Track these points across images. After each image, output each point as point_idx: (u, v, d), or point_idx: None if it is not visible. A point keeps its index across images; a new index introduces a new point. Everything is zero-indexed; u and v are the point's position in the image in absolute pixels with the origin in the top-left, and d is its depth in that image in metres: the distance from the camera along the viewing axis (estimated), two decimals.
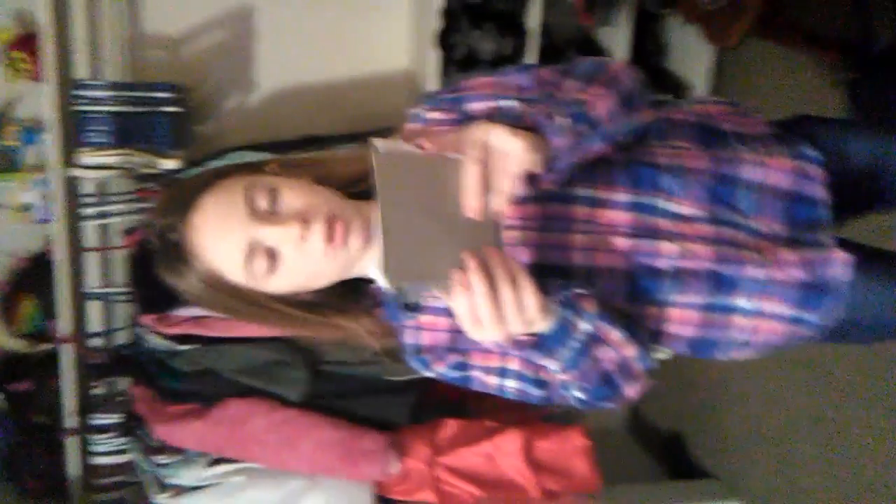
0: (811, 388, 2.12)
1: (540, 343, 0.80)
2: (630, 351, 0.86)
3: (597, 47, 2.27)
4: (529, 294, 0.73)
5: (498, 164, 0.75)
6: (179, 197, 0.91)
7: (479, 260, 0.73)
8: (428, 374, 0.95)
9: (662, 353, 2.28)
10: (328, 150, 1.08)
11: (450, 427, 1.97)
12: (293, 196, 0.86)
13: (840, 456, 2.03)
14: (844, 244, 0.96)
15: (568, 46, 2.23)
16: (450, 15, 2.03)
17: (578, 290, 0.82)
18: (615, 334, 0.84)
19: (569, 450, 2.01)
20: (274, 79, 2.26)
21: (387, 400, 1.91)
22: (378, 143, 0.74)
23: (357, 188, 0.92)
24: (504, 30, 2.05)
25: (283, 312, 0.91)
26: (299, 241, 0.84)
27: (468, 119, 0.91)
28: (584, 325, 0.81)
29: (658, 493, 2.16)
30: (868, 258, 0.99)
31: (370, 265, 0.91)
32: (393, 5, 2.25)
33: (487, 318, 0.73)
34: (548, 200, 0.89)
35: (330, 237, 0.85)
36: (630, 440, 2.79)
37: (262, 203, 0.86)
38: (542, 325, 0.78)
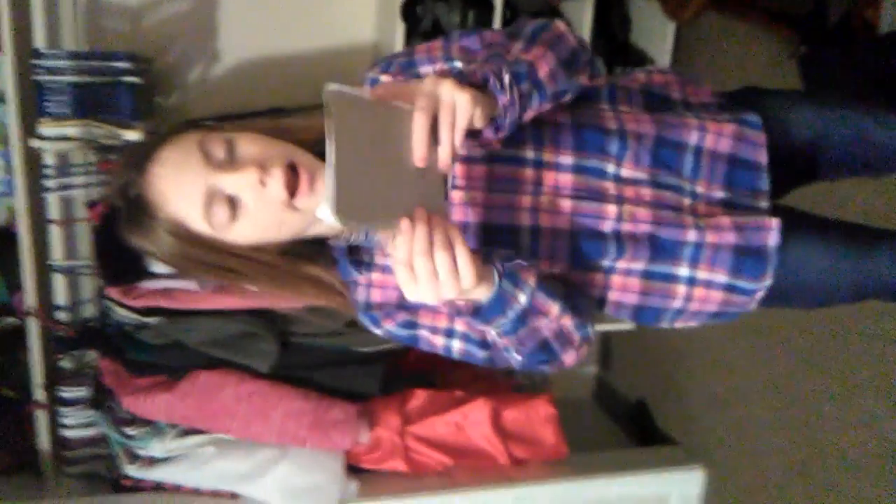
0: (767, 355, 2.19)
1: (478, 310, 0.81)
2: (567, 321, 0.88)
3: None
4: (465, 262, 0.74)
5: (446, 116, 0.76)
6: (137, 153, 0.91)
7: (423, 218, 0.74)
8: (377, 331, 0.97)
9: (625, 325, 2.32)
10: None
11: (419, 397, 2.00)
12: (250, 144, 0.87)
13: (795, 420, 2.10)
14: (786, 211, 1.00)
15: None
16: None
17: (520, 262, 0.84)
18: (554, 307, 0.86)
19: (536, 418, 2.05)
20: (238, 50, 2.23)
21: (356, 371, 1.93)
22: (332, 85, 0.74)
23: (318, 148, 0.92)
24: (469, 2, 2.05)
25: (250, 263, 0.91)
26: (258, 186, 0.84)
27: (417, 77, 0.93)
28: (523, 297, 0.83)
29: (623, 460, 2.22)
30: (810, 225, 1.02)
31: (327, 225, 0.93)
32: None
33: (422, 278, 0.74)
34: (495, 162, 0.91)
35: (293, 184, 0.85)
36: (596, 409, 2.85)
37: (219, 153, 0.86)
38: (480, 293, 0.80)
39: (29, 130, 1.89)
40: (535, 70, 0.85)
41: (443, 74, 0.91)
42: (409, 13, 2.03)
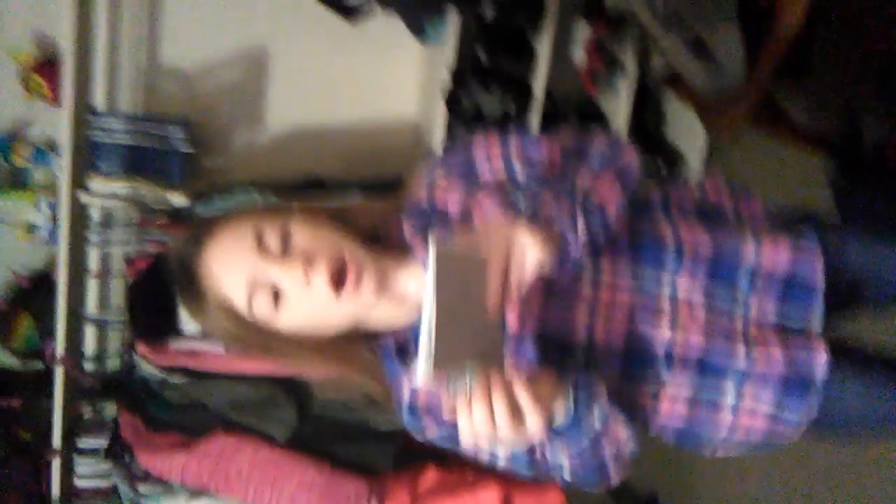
0: (783, 468, 2.16)
1: (554, 435, 0.82)
2: (630, 445, 0.89)
3: (597, 113, 2.34)
4: (530, 414, 0.76)
5: (516, 269, 0.79)
6: (199, 228, 0.93)
7: (484, 382, 0.75)
8: (418, 436, 0.96)
9: None
10: (337, 195, 1.10)
11: (431, 476, 1.98)
12: (303, 237, 0.88)
13: None
14: (833, 342, 0.98)
15: (570, 110, 2.30)
16: (459, 74, 2.10)
17: (594, 382, 0.84)
18: (623, 431, 0.87)
19: None
20: (283, 118, 2.31)
21: (371, 445, 1.93)
22: (436, 238, 0.77)
23: (374, 239, 0.94)
24: (510, 92, 2.12)
25: (297, 346, 0.92)
26: (303, 281, 0.85)
27: (477, 186, 0.96)
28: (597, 421, 0.83)
29: None
30: (855, 361, 1.01)
31: (382, 318, 0.93)
32: (406, 56, 2.32)
33: (484, 439, 0.76)
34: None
35: (339, 281, 0.85)
36: (607, 500, 2.80)
37: (272, 241, 0.87)
38: (557, 418, 0.81)
39: (78, 184, 1.96)
40: (605, 213, 0.87)
41: (503, 185, 0.94)
42: (451, 99, 2.10)
